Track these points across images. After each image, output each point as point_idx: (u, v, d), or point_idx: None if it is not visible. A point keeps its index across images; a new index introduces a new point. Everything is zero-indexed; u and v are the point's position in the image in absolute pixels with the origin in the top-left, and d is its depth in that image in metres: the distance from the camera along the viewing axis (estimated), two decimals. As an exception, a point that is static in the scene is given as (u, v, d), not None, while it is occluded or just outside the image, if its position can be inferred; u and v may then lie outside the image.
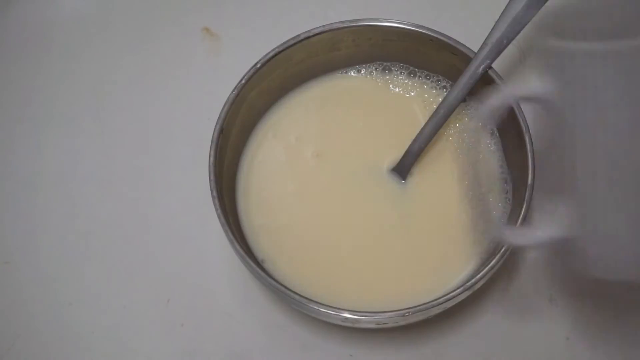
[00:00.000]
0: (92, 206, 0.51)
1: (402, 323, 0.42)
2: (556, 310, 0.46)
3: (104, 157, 0.52)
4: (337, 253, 0.45)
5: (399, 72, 0.50)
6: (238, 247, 0.42)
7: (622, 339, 0.46)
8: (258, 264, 0.43)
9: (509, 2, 0.45)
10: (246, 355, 0.46)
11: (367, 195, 0.47)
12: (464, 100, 0.47)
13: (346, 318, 0.41)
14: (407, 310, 0.40)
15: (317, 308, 0.41)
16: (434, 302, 0.41)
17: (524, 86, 0.35)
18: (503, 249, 0.41)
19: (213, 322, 0.47)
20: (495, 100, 0.38)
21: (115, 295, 0.48)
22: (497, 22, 0.45)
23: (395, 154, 0.47)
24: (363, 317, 0.41)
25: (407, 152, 0.46)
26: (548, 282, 0.47)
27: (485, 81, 0.45)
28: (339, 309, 0.41)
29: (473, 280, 0.41)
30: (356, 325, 0.42)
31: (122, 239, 0.49)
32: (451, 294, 0.41)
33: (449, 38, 0.47)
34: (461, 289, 0.41)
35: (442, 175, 0.47)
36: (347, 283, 0.45)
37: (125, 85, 0.54)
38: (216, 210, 0.43)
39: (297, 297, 0.41)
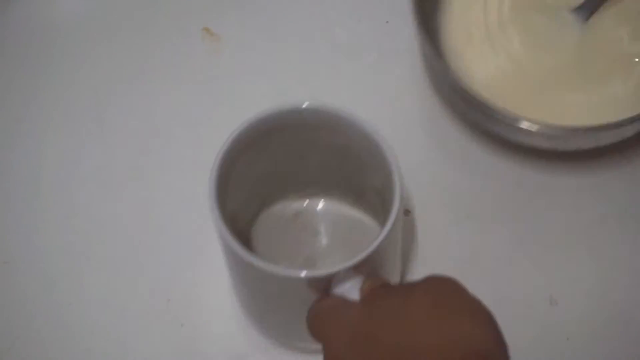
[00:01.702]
0: (92, 206, 0.51)
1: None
2: (556, 310, 0.46)
3: (104, 157, 0.52)
4: None
5: None
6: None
7: (621, 338, 0.46)
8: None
9: None
10: (246, 355, 0.46)
11: (546, 34, 0.49)
12: None
13: None
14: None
15: None
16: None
17: None
18: None
19: (213, 322, 0.47)
20: None
21: (115, 295, 0.48)
22: None
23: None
24: None
25: None
26: (548, 282, 0.47)
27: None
28: None
29: None
30: None
31: (122, 239, 0.49)
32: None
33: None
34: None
35: (627, 16, 0.49)
36: None
37: (125, 85, 0.54)
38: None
39: None
